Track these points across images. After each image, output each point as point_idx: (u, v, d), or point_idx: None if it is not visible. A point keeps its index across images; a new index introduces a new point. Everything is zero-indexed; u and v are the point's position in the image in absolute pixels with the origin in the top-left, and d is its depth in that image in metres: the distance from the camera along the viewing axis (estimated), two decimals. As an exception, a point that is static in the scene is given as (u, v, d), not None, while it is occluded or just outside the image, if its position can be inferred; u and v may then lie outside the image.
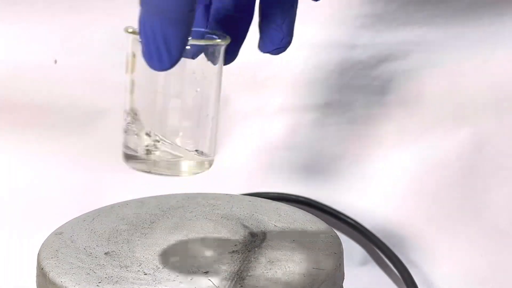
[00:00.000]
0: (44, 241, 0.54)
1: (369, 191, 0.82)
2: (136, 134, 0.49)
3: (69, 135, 0.82)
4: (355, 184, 0.82)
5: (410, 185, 0.81)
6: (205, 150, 0.50)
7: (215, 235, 0.54)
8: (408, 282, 0.73)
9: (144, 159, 0.49)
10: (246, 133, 0.82)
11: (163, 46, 0.38)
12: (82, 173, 0.82)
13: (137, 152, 0.49)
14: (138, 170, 0.49)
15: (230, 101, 0.81)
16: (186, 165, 0.49)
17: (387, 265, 0.78)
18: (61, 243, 0.53)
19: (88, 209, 0.61)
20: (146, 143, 0.49)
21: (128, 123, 0.49)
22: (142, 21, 0.38)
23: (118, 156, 0.82)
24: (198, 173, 0.50)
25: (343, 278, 0.54)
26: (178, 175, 0.49)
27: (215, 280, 0.47)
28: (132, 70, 0.48)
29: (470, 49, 0.80)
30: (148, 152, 0.49)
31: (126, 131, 0.50)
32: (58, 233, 0.55)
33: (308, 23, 0.80)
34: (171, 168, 0.49)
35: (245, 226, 0.56)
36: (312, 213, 0.61)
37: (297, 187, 0.82)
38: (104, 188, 0.81)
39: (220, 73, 0.49)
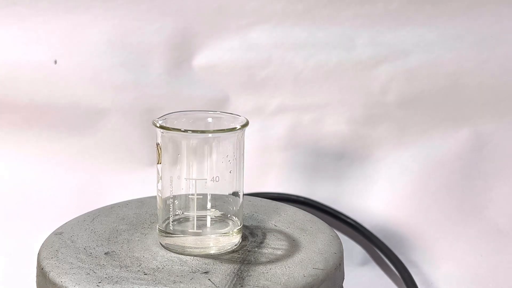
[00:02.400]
0: (44, 241, 0.54)
1: (369, 191, 0.82)
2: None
3: (69, 135, 0.82)
4: (355, 184, 0.82)
5: (410, 185, 0.81)
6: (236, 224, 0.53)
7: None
8: (408, 282, 0.73)
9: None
10: (246, 133, 0.82)
11: None
12: (82, 173, 0.82)
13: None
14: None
15: (230, 101, 0.81)
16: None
17: (387, 265, 0.78)
18: (61, 243, 0.53)
19: (88, 209, 0.61)
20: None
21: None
22: None
23: (118, 156, 0.82)
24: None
25: (343, 278, 0.54)
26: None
27: (215, 280, 0.47)
28: (159, 161, 0.52)
29: (470, 49, 0.80)
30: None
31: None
32: (58, 233, 0.55)
33: (308, 23, 0.80)
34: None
35: (245, 226, 0.56)
36: (312, 213, 0.61)
37: (297, 187, 0.82)
38: (104, 188, 0.81)
39: (243, 152, 0.53)
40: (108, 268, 0.49)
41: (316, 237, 0.55)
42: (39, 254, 0.52)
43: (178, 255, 0.51)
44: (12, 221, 0.80)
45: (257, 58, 0.80)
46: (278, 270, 0.49)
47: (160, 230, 0.53)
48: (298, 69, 0.80)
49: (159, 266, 0.49)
